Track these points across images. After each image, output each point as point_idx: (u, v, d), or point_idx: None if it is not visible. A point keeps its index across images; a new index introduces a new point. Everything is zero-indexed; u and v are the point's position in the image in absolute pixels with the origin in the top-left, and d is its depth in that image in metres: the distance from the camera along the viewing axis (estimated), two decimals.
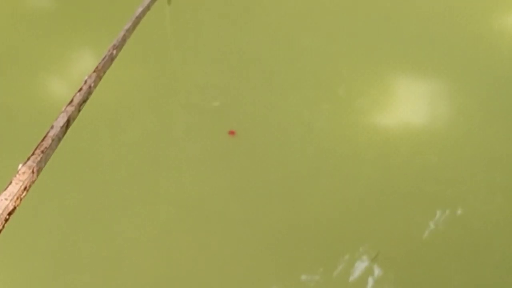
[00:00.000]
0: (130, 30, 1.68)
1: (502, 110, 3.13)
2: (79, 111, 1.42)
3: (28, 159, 1.24)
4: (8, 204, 1.12)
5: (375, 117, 3.14)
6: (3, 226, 1.09)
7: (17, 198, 1.15)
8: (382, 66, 3.38)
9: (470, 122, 3.10)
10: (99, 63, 1.54)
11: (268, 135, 3.04)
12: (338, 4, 3.75)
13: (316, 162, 2.93)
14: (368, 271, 2.51)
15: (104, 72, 1.54)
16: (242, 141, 3.00)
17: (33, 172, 1.22)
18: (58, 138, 1.32)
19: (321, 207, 2.75)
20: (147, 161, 2.90)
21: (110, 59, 1.57)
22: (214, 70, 3.35)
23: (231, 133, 3.00)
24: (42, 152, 1.26)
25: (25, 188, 1.19)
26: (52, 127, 1.33)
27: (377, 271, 2.52)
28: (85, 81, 1.48)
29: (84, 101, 1.45)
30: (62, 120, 1.36)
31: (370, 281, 2.50)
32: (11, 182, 1.17)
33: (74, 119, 1.41)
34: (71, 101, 1.42)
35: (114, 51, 1.59)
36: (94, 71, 1.51)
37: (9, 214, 1.12)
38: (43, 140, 1.30)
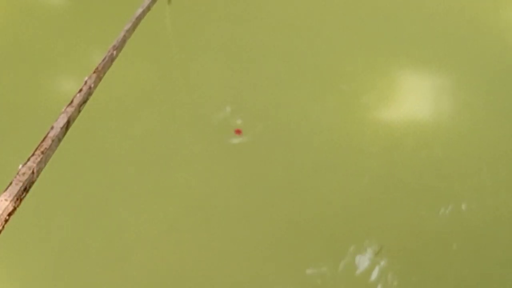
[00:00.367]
0: (130, 31, 1.70)
1: (507, 105, 3.12)
2: (79, 111, 1.45)
3: (28, 159, 1.27)
4: (8, 205, 1.14)
5: (380, 112, 3.14)
6: (3, 227, 1.12)
7: (17, 199, 1.18)
8: (387, 62, 3.38)
9: (474, 117, 3.10)
10: (99, 64, 1.56)
11: (273, 131, 3.05)
12: (341, 1, 3.75)
13: (321, 157, 2.94)
14: (373, 265, 2.53)
15: (104, 73, 1.56)
16: (247, 137, 3.02)
17: (33, 172, 1.24)
18: (58, 139, 1.35)
19: (326, 202, 2.76)
20: (153, 159, 2.92)
21: (110, 59, 1.59)
22: (217, 69, 3.36)
23: (238, 132, 3.02)
24: (42, 152, 1.29)
25: (25, 189, 1.21)
26: (52, 128, 1.36)
27: (381, 264, 2.53)
28: (85, 82, 1.51)
29: (84, 101, 1.47)
30: (62, 121, 1.38)
31: (375, 275, 2.51)
32: (11, 183, 1.20)
33: (74, 119, 1.43)
34: (71, 102, 1.44)
35: (114, 52, 1.61)
36: (94, 72, 1.53)
37: (9, 214, 1.15)
38: (43, 141, 1.32)
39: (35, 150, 1.29)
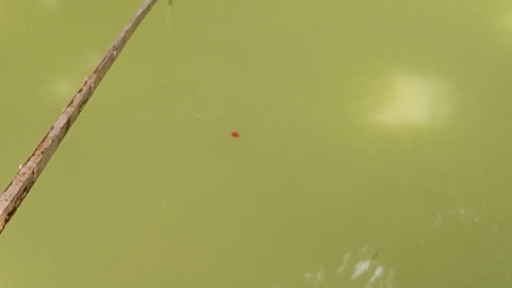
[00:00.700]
0: (130, 31, 1.69)
1: (504, 108, 3.13)
2: (79, 112, 1.44)
3: (29, 159, 1.26)
4: (8, 205, 1.14)
5: (377, 115, 3.15)
6: (3, 227, 1.11)
7: (17, 199, 1.17)
8: (384, 64, 3.39)
9: (471, 119, 3.11)
10: (99, 64, 1.56)
11: (270, 133, 3.05)
12: (339, 2, 3.76)
13: (318, 160, 2.94)
14: (370, 268, 2.53)
15: (104, 73, 1.56)
16: (244, 138, 3.02)
17: (33, 172, 1.24)
18: (58, 139, 1.34)
19: (323, 204, 2.76)
20: (152, 159, 2.92)
21: (110, 60, 1.58)
22: (216, 70, 3.36)
23: (234, 134, 3.02)
24: (42, 152, 1.28)
25: (25, 189, 1.20)
26: (52, 128, 1.35)
27: (378, 267, 2.53)
28: (85, 82, 1.50)
29: (84, 102, 1.47)
30: (62, 121, 1.38)
31: (372, 278, 2.51)
32: (11, 183, 1.19)
33: (74, 119, 1.42)
34: (71, 102, 1.44)
35: (114, 52, 1.60)
36: (94, 72, 1.53)
37: (9, 214, 1.14)
38: (43, 141, 1.31)
39: (35, 150, 1.28)
